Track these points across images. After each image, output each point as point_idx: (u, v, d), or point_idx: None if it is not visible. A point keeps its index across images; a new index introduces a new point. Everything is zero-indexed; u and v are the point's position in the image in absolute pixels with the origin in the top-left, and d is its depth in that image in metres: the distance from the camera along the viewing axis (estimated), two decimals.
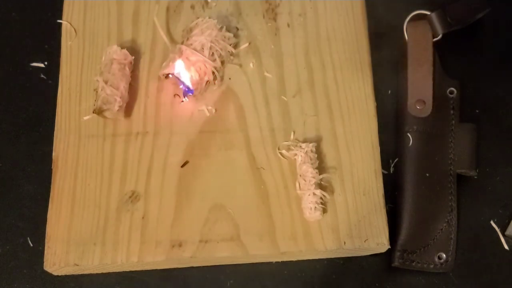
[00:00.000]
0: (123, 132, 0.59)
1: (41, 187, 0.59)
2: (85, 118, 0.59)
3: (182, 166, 0.58)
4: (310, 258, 0.58)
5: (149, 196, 0.57)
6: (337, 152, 0.58)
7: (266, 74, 0.61)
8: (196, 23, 0.61)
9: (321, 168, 0.57)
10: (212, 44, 0.59)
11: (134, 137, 0.59)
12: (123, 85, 0.58)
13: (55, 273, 0.57)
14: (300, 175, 0.56)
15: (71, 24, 0.63)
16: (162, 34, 0.62)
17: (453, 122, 0.61)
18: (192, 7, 0.63)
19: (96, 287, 0.57)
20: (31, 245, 0.59)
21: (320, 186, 0.56)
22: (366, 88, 0.61)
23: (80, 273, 0.57)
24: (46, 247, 0.55)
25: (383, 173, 0.58)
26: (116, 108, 0.57)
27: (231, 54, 0.61)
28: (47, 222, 0.56)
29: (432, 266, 0.57)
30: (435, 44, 0.62)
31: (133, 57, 0.60)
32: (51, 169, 0.58)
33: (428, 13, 0.62)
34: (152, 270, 0.58)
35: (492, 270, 0.58)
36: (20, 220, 0.59)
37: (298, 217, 0.56)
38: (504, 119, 0.63)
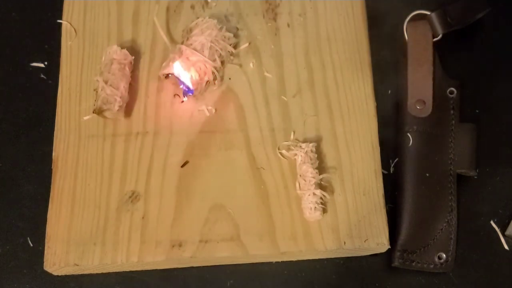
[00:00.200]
0: (123, 132, 0.59)
1: (41, 187, 0.59)
2: (85, 118, 0.59)
3: (182, 166, 0.58)
4: (310, 258, 0.58)
5: (149, 196, 0.57)
6: (337, 152, 0.58)
7: (266, 74, 0.61)
8: (196, 23, 0.61)
9: (321, 168, 0.57)
10: (212, 44, 0.59)
11: (134, 137, 0.59)
12: (123, 85, 0.58)
13: (55, 273, 0.57)
14: (300, 175, 0.56)
15: (71, 24, 0.63)
16: (162, 34, 0.62)
17: (453, 122, 0.61)
18: (192, 7, 0.63)
19: (96, 287, 0.57)
20: (31, 245, 0.59)
21: (320, 186, 0.56)
22: (366, 88, 0.61)
23: (80, 273, 0.57)
24: (46, 247, 0.55)
25: (383, 173, 0.58)
26: (116, 108, 0.57)
27: (231, 54, 0.61)
28: (47, 222, 0.56)
29: (432, 266, 0.57)
30: (435, 44, 0.62)
31: (133, 57, 0.60)
32: (51, 169, 0.58)
33: (428, 13, 0.62)
34: (152, 270, 0.58)
35: (492, 270, 0.58)
36: (20, 220, 0.60)
37: (298, 217, 0.56)
38: (504, 119, 0.63)
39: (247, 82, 0.61)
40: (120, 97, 0.58)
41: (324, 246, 0.55)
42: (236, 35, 0.62)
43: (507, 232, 0.58)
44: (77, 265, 0.55)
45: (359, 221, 0.56)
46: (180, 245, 0.55)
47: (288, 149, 0.58)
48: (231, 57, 0.61)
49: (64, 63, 0.61)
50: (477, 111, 0.63)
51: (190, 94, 0.59)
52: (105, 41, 0.62)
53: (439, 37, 0.62)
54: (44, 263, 0.55)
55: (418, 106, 0.60)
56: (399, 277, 0.58)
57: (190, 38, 0.59)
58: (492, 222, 0.59)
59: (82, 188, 0.57)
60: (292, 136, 0.59)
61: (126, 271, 0.58)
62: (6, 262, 0.58)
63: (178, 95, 0.60)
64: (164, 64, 0.60)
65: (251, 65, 0.61)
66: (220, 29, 0.61)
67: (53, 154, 0.58)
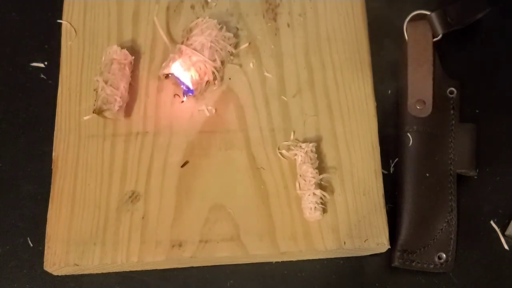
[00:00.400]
0: (123, 132, 0.59)
1: (41, 187, 0.59)
2: (85, 118, 0.59)
3: (182, 166, 0.58)
4: (310, 258, 0.58)
5: (149, 196, 0.57)
6: (337, 152, 0.58)
7: (266, 74, 0.61)
8: (196, 23, 0.61)
9: (321, 168, 0.57)
10: (212, 44, 0.59)
11: (134, 137, 0.59)
12: (123, 85, 0.58)
13: (55, 273, 0.57)
14: (300, 175, 0.56)
15: (71, 24, 0.63)
16: (162, 34, 0.62)
17: (453, 122, 0.61)
18: (192, 7, 0.63)
19: (96, 287, 0.57)
20: (31, 245, 0.59)
21: (320, 186, 0.56)
22: (366, 88, 0.61)
23: (80, 273, 0.57)
24: (46, 247, 0.55)
25: (383, 173, 0.58)
26: (116, 108, 0.57)
27: (231, 54, 0.61)
28: (47, 222, 0.56)
29: (432, 266, 0.57)
30: (435, 44, 0.62)
31: (133, 57, 0.60)
32: (51, 169, 0.58)
33: (428, 13, 0.62)
34: (152, 270, 0.58)
35: (492, 270, 0.58)
36: (20, 220, 0.59)
37: (298, 217, 0.56)
38: (504, 119, 0.63)
39: (247, 82, 0.61)
40: (120, 97, 0.58)
41: (324, 246, 0.55)
42: (236, 35, 0.62)
43: (507, 232, 0.58)
44: (77, 265, 0.55)
45: (359, 221, 0.56)
46: (180, 245, 0.55)
47: (288, 149, 0.58)
48: (231, 57, 0.61)
49: (64, 63, 0.61)
50: (477, 111, 0.63)
51: (190, 94, 0.59)
52: (105, 41, 0.62)
53: (439, 37, 0.62)
54: (44, 263, 0.55)
55: (418, 106, 0.60)
56: (399, 277, 0.58)
57: (190, 38, 0.59)
58: (492, 222, 0.59)
59: (82, 188, 0.57)
60: (292, 136, 0.59)
61: (126, 271, 0.58)
62: (6, 262, 0.58)
63: (178, 95, 0.60)
64: (164, 64, 0.60)
65: (251, 65, 0.61)
66: (220, 29, 0.61)
67: (53, 154, 0.58)
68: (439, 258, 0.57)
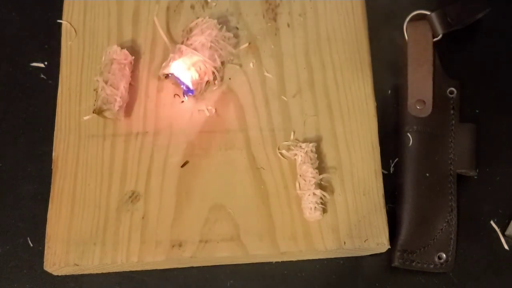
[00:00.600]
0: (123, 132, 0.59)
1: (41, 187, 0.59)
2: (85, 118, 0.59)
3: (182, 166, 0.58)
4: (310, 258, 0.58)
5: (149, 196, 0.57)
6: (337, 152, 0.58)
7: (266, 74, 0.61)
8: (196, 23, 0.61)
9: (321, 168, 0.57)
10: (212, 44, 0.59)
11: (134, 137, 0.59)
12: (123, 85, 0.58)
13: (55, 273, 0.57)
14: (300, 175, 0.56)
15: (71, 24, 0.63)
16: (162, 34, 0.62)
17: (453, 122, 0.61)
18: (192, 7, 0.63)
19: (96, 287, 0.57)
20: (31, 245, 0.59)
21: (320, 186, 0.56)
22: (366, 88, 0.61)
23: (80, 273, 0.57)
24: (46, 247, 0.55)
25: (383, 173, 0.58)
26: (116, 108, 0.57)
27: (231, 54, 0.61)
28: (47, 222, 0.56)
29: (432, 266, 0.57)
30: (435, 44, 0.62)
31: (133, 57, 0.60)
32: (51, 169, 0.58)
33: (428, 13, 0.62)
34: (152, 270, 0.58)
35: (492, 270, 0.58)
36: (20, 220, 0.59)
37: (298, 217, 0.56)
38: (504, 119, 0.63)
39: (247, 82, 0.61)
40: (120, 97, 0.58)
41: (324, 246, 0.55)
42: (236, 35, 0.62)
43: (507, 232, 0.58)
44: (77, 265, 0.55)
45: (359, 221, 0.56)
46: (180, 245, 0.55)
47: (288, 149, 0.58)
48: (231, 57, 0.61)
49: (64, 63, 0.61)
50: (477, 111, 0.63)
51: (190, 94, 0.59)
52: (105, 41, 0.62)
53: (439, 37, 0.62)
54: (44, 263, 0.55)
55: (418, 106, 0.60)
56: (399, 277, 0.58)
57: (190, 38, 0.59)
58: (492, 222, 0.59)
59: (82, 188, 0.57)
60: (292, 136, 0.59)
61: (126, 271, 0.58)
62: (6, 262, 0.58)
63: (178, 95, 0.60)
64: (164, 64, 0.60)
65: (251, 65, 0.61)
66: (220, 29, 0.61)
67: (53, 154, 0.58)
68: (439, 258, 0.57)
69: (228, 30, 0.62)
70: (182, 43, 0.60)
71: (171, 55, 0.59)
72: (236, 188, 0.57)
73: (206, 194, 0.57)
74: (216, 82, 0.60)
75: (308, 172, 0.56)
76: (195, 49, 0.59)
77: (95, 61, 0.61)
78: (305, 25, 0.63)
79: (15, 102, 0.63)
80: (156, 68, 0.61)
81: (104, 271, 0.57)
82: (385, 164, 0.60)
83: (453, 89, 0.62)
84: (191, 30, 0.60)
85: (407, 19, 0.63)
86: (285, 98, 0.60)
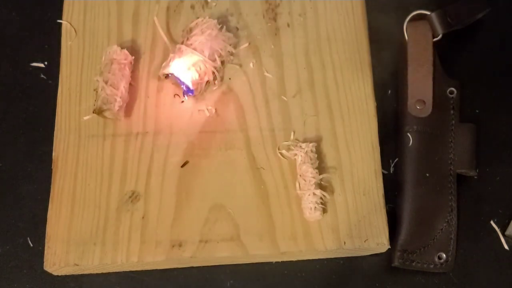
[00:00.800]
0: (123, 132, 0.59)
1: (41, 187, 0.59)
2: (85, 118, 0.59)
3: (182, 166, 0.58)
4: (310, 258, 0.58)
5: (149, 196, 0.57)
6: (337, 152, 0.58)
7: (266, 74, 0.61)
8: (196, 23, 0.61)
9: (321, 168, 0.57)
10: (212, 44, 0.59)
11: (134, 137, 0.59)
12: (123, 85, 0.58)
13: (55, 273, 0.57)
14: (300, 175, 0.56)
15: (71, 24, 0.63)
16: (162, 34, 0.62)
17: (453, 122, 0.61)
18: (192, 7, 0.63)
19: (96, 287, 0.57)
20: (31, 245, 0.59)
21: (320, 186, 0.56)
22: (366, 88, 0.61)
23: (80, 273, 0.57)
24: (46, 247, 0.55)
25: (383, 173, 0.58)
26: (116, 108, 0.57)
27: (231, 54, 0.61)
28: (47, 222, 0.56)
29: (432, 266, 0.57)
30: (435, 44, 0.62)
31: (133, 57, 0.60)
32: (51, 169, 0.58)
33: (428, 13, 0.62)
34: (152, 270, 0.58)
35: (492, 270, 0.58)
36: (20, 220, 0.59)
37: (298, 217, 0.56)
38: (504, 119, 0.63)
39: (247, 82, 0.61)
40: (120, 97, 0.58)
41: (324, 246, 0.55)
42: (236, 35, 0.62)
43: (507, 232, 0.58)
44: (77, 265, 0.55)
45: (359, 221, 0.56)
46: (180, 245, 0.55)
47: (288, 149, 0.58)
48: (231, 57, 0.61)
49: (64, 63, 0.61)
50: (477, 111, 0.63)
51: (190, 94, 0.59)
52: (105, 41, 0.62)
53: (439, 37, 0.62)
54: (44, 263, 0.55)
55: (418, 106, 0.60)
56: (399, 277, 0.58)
57: (190, 38, 0.59)
58: (492, 222, 0.59)
59: (82, 188, 0.57)
60: (292, 136, 0.59)
61: (126, 271, 0.58)
62: (6, 262, 0.58)
63: (178, 95, 0.60)
64: (164, 64, 0.60)
65: (251, 65, 0.61)
66: (220, 29, 0.61)
67: (53, 154, 0.58)
68: (439, 258, 0.57)
69: (228, 30, 0.62)
70: (182, 43, 0.60)
71: (171, 55, 0.59)
72: (236, 188, 0.57)
73: (206, 194, 0.57)
74: (216, 82, 0.60)
75: (308, 172, 0.56)
76: (195, 49, 0.59)
77: (95, 61, 0.61)
78: (305, 25, 0.63)
79: (15, 102, 0.63)
80: (156, 68, 0.61)
81: (104, 271, 0.57)
82: (385, 164, 0.60)
83: (453, 89, 0.62)
84: (191, 30, 0.60)
85: (407, 19, 0.63)
86: (285, 98, 0.60)
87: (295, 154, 0.57)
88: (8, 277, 0.58)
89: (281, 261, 0.58)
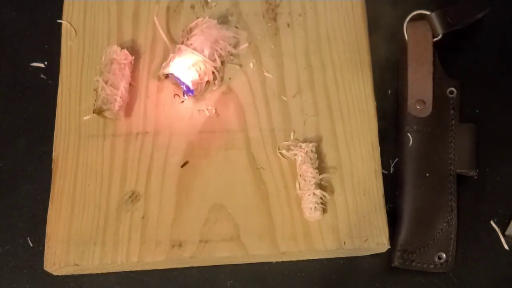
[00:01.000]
0: (123, 132, 0.59)
1: (41, 187, 0.59)
2: (85, 118, 0.59)
3: (182, 166, 0.58)
4: (310, 258, 0.58)
5: (149, 196, 0.57)
6: (337, 152, 0.58)
7: (266, 74, 0.61)
8: (196, 23, 0.61)
9: (321, 168, 0.57)
10: (212, 44, 0.59)
11: (134, 137, 0.59)
12: (123, 85, 0.58)
13: (55, 273, 0.57)
14: (300, 175, 0.56)
15: (71, 24, 0.63)
16: (162, 34, 0.62)
17: (453, 122, 0.61)
18: (192, 7, 0.63)
19: (96, 287, 0.57)
20: (31, 245, 0.59)
21: (320, 186, 0.56)
22: (366, 88, 0.61)
23: (80, 273, 0.57)
24: (46, 247, 0.55)
25: (383, 173, 0.58)
26: (116, 108, 0.57)
27: (231, 54, 0.61)
28: (47, 222, 0.56)
29: (432, 266, 0.57)
30: (435, 44, 0.62)
31: (133, 57, 0.60)
32: (51, 169, 0.58)
33: (428, 13, 0.62)
34: (152, 270, 0.58)
35: (492, 270, 0.58)
36: (20, 220, 0.59)
37: (298, 217, 0.56)
38: (504, 119, 0.63)
39: (247, 82, 0.61)
40: (120, 97, 0.58)
41: (324, 246, 0.55)
42: (236, 35, 0.62)
43: (507, 232, 0.58)
44: (77, 265, 0.55)
45: (359, 221, 0.56)
46: (180, 245, 0.55)
47: (288, 149, 0.58)
48: (231, 57, 0.61)
49: (64, 63, 0.61)
50: (477, 111, 0.63)
51: (190, 94, 0.59)
52: (105, 41, 0.62)
53: (439, 37, 0.62)
54: (44, 263, 0.55)
55: (418, 106, 0.60)
56: (399, 277, 0.58)
57: (190, 38, 0.59)
58: (492, 222, 0.59)
59: (82, 188, 0.57)
60: (292, 136, 0.59)
61: (126, 271, 0.58)
62: (6, 262, 0.58)
63: (178, 95, 0.60)
64: (164, 64, 0.60)
65: (251, 65, 0.61)
66: (220, 29, 0.61)
67: (53, 154, 0.58)
68: (439, 258, 0.57)
69: (228, 30, 0.62)
70: (182, 43, 0.60)
71: (171, 55, 0.59)
72: (236, 188, 0.57)
73: (206, 194, 0.57)
74: (216, 82, 0.60)
75: (308, 172, 0.56)
76: (195, 49, 0.59)
77: (95, 61, 0.61)
78: (305, 25, 0.63)
79: (15, 102, 0.63)
80: (156, 68, 0.61)
81: (104, 271, 0.57)
82: (385, 164, 0.60)
83: (453, 89, 0.62)
84: (191, 30, 0.60)
85: (407, 19, 0.63)
86: (285, 98, 0.60)
87: (295, 154, 0.57)
88: (8, 277, 0.58)
89: (281, 261, 0.58)
